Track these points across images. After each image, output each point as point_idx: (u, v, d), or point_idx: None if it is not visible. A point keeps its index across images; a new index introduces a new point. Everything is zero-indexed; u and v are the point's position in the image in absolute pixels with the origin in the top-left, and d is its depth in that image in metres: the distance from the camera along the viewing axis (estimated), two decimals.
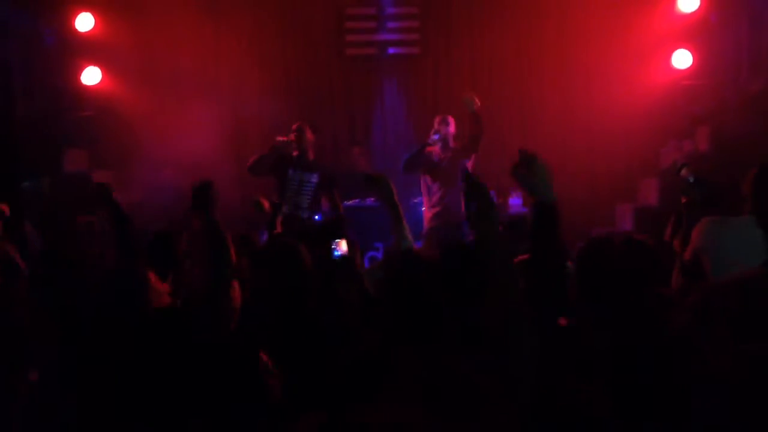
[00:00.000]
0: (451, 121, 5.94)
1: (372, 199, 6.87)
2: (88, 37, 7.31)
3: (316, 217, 5.73)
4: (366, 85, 8.16)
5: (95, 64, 7.36)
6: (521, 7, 7.93)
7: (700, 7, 7.04)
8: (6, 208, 3.87)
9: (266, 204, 4.31)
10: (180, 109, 7.31)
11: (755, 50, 6.86)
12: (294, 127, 5.82)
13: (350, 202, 6.58)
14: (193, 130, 6.90)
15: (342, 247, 3.28)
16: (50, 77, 7.23)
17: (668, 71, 7.20)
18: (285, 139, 5.67)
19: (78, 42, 7.30)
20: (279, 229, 4.19)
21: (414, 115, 8.10)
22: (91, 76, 7.35)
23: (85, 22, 7.25)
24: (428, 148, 5.85)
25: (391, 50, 8.10)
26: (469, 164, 5.87)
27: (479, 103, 5.74)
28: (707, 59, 7.09)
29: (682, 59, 7.14)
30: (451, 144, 5.88)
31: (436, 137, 5.77)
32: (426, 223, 5.92)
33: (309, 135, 5.78)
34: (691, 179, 3.62)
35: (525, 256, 2.96)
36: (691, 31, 7.13)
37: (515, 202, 6.79)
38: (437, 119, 5.95)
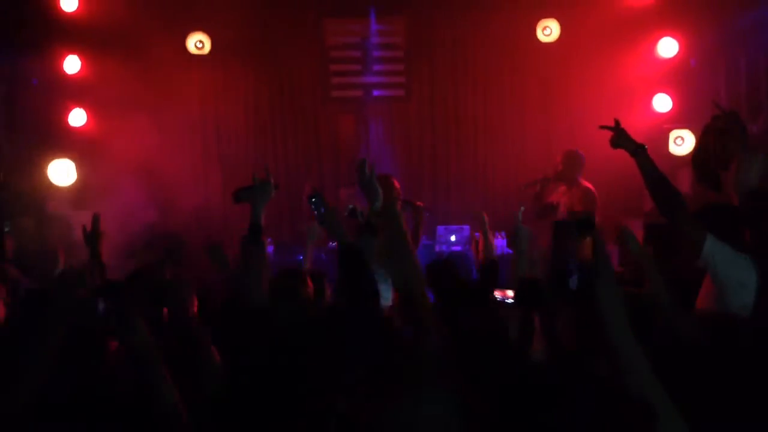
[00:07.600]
0: None
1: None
2: (75, 80, 7.32)
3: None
4: (352, 126, 8.22)
5: (81, 105, 7.35)
6: (505, 50, 8.06)
7: (678, 52, 7.20)
8: None
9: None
10: (165, 152, 7.31)
11: (733, 95, 6.99)
12: None
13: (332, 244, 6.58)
14: (178, 173, 6.90)
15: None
16: (36, 118, 7.21)
17: (649, 115, 7.31)
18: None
19: (65, 84, 7.30)
20: None
21: (400, 156, 8.17)
22: (77, 117, 7.34)
23: (72, 64, 7.27)
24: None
25: (377, 92, 8.19)
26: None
27: None
28: (687, 103, 7.22)
29: (663, 103, 7.27)
30: None
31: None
32: None
33: None
34: None
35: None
36: (671, 76, 7.27)
37: (500, 243, 6.80)
38: None
